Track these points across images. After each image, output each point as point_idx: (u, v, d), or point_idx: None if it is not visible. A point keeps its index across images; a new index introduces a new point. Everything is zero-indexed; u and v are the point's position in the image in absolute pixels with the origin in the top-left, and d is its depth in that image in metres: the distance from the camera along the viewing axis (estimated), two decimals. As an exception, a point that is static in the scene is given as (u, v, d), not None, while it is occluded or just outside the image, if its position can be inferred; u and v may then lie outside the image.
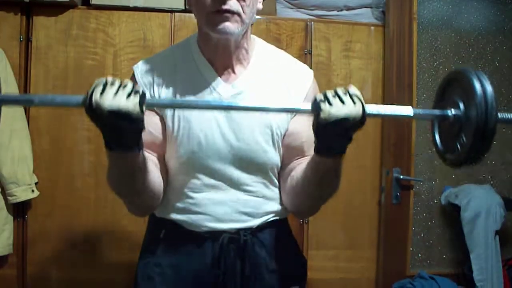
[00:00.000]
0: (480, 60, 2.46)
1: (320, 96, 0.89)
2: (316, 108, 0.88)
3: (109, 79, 0.86)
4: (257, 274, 1.15)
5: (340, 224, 2.27)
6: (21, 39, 2.06)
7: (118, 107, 0.82)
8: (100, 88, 0.84)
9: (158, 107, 1.10)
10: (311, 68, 1.23)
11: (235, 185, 1.12)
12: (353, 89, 0.90)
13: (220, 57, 1.11)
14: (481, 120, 0.84)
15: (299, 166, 1.12)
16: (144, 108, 0.86)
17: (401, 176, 2.13)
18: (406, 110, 0.92)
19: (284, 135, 1.14)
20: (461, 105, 0.90)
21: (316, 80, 1.21)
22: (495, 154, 2.48)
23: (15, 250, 2.03)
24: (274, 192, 1.18)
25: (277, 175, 1.18)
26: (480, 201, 2.21)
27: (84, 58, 2.10)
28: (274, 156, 1.14)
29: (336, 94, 0.89)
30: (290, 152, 1.16)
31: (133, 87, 0.86)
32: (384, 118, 1.87)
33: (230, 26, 1.02)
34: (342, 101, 0.87)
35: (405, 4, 2.14)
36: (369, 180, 2.29)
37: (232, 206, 1.13)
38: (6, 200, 1.98)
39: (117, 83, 0.85)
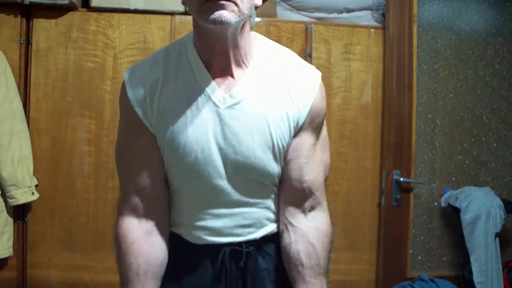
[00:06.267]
0: (480, 62, 2.46)
1: None
2: None
3: None
4: (258, 287, 1.12)
5: (340, 226, 2.26)
6: (21, 41, 2.06)
7: None
8: None
9: None
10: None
11: (235, 198, 1.07)
12: None
13: (217, 59, 1.02)
14: None
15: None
16: None
17: (401, 178, 2.13)
18: None
19: (288, 149, 1.07)
20: None
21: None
22: (495, 156, 2.48)
23: (15, 252, 2.03)
24: (276, 202, 1.13)
25: (278, 184, 1.12)
26: (480, 203, 2.21)
27: (84, 60, 2.10)
28: (275, 169, 1.07)
29: None
30: (289, 175, 1.09)
31: None
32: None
33: (226, 14, 0.90)
34: None
35: (405, 7, 2.15)
36: (369, 182, 2.29)
37: (233, 219, 1.08)
38: (6, 202, 1.98)
39: None
